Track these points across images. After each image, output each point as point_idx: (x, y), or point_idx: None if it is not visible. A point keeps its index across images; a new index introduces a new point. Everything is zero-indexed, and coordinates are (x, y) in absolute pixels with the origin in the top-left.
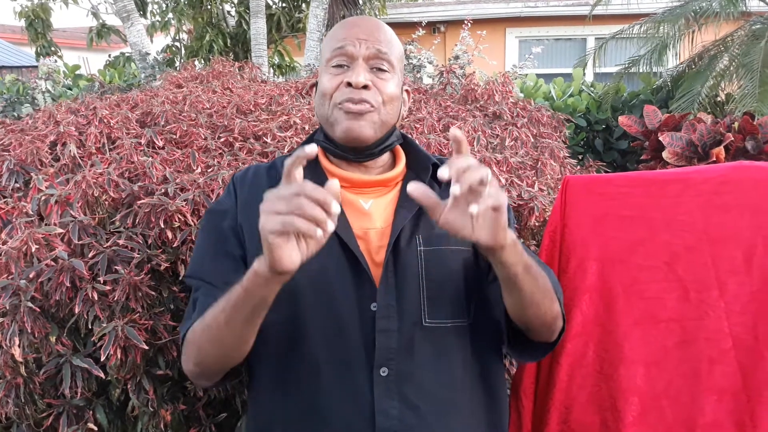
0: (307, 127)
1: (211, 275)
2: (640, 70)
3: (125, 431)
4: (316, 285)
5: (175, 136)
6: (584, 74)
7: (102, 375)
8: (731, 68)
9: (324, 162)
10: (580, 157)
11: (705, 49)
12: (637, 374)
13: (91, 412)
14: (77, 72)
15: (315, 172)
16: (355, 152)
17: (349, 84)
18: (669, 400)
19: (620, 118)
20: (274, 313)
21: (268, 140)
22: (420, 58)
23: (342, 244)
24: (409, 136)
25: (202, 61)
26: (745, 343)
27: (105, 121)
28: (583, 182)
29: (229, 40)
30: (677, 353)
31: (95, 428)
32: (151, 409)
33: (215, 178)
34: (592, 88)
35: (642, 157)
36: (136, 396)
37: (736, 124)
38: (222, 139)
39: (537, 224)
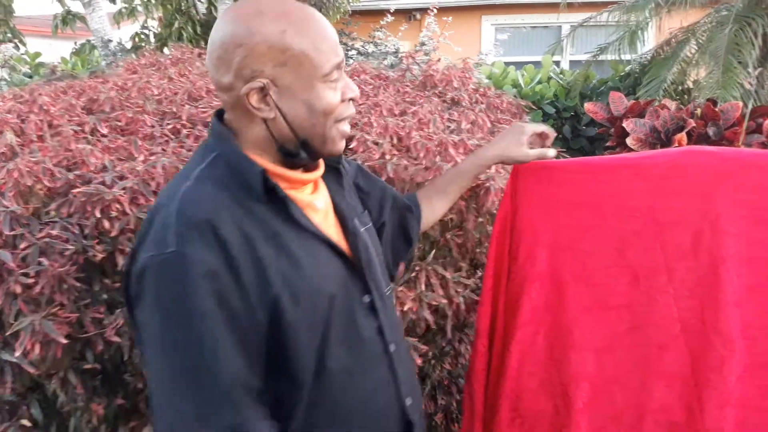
0: None
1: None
2: (610, 58)
3: (66, 427)
4: (339, 309)
5: (120, 124)
6: (559, 62)
7: (32, 370)
8: (697, 55)
9: (283, 172)
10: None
11: (673, 35)
12: (588, 360)
13: (26, 407)
14: (39, 59)
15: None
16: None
17: (351, 99)
18: (619, 385)
19: (586, 105)
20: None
21: None
22: (387, 45)
23: (332, 248)
24: None
25: (172, 49)
26: (693, 328)
27: (45, 108)
28: (534, 168)
29: (199, 27)
30: (627, 339)
31: (29, 425)
32: (81, 404)
33: (155, 166)
34: (561, 76)
35: (607, 144)
36: (64, 392)
37: (699, 111)
38: (170, 126)
39: (494, 203)
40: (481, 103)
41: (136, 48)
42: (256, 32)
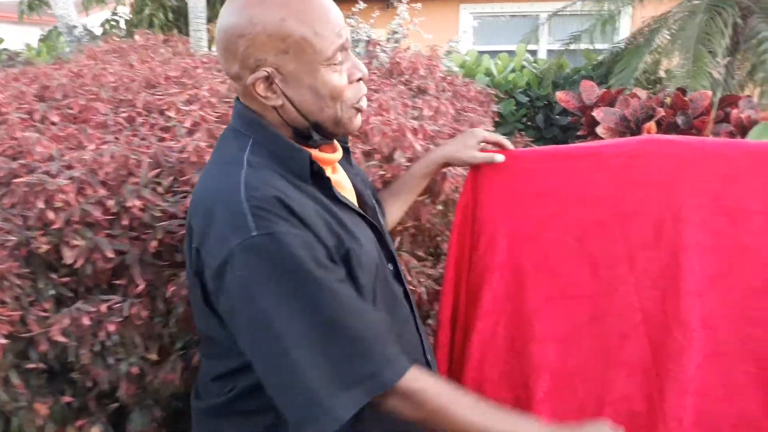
0: (214, 101)
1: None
2: (585, 47)
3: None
4: (380, 275)
5: (72, 111)
6: (536, 51)
7: None
8: (669, 45)
9: (318, 154)
10: (522, 133)
11: (646, 24)
12: (549, 351)
13: None
14: (3, 46)
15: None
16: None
17: (360, 79)
18: (580, 376)
19: (558, 94)
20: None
21: (172, 114)
22: (359, 33)
23: (365, 221)
24: None
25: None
26: (655, 318)
27: None
28: None
29: (170, 14)
30: (589, 329)
31: None
32: (24, 404)
33: (103, 155)
34: (534, 64)
35: (579, 133)
36: (5, 391)
37: (668, 100)
38: (125, 114)
39: (451, 190)
40: (448, 91)
41: (104, 35)
42: (257, 22)
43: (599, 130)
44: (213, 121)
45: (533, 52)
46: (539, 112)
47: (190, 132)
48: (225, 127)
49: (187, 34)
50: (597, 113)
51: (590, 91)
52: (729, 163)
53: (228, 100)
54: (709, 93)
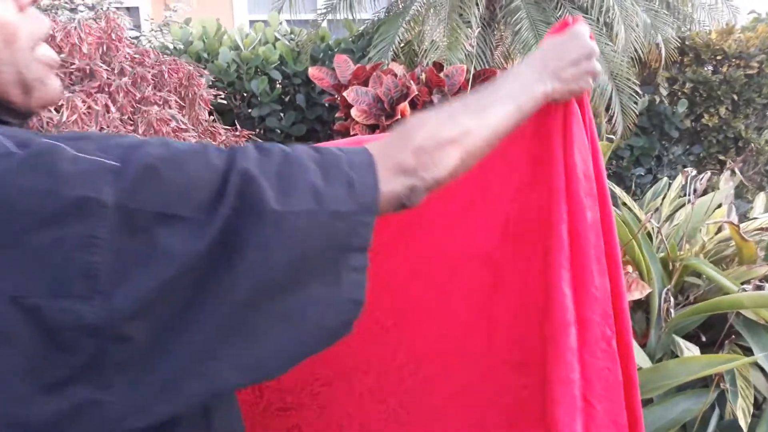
0: None
1: None
2: (342, 16)
3: None
4: None
5: None
6: (305, 21)
7: None
8: (425, 13)
9: None
10: (281, 115)
11: None
12: None
13: None
14: None
15: None
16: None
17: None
18: None
19: (310, 70)
20: None
21: None
22: None
23: None
24: None
25: None
26: None
27: None
28: None
29: None
30: None
31: None
32: None
33: None
34: (292, 35)
35: (337, 114)
36: None
37: (424, 76)
38: None
39: None
40: (143, 74)
41: None
42: None
43: (354, 113)
44: None
45: (306, 22)
46: (299, 91)
47: None
48: None
49: None
50: (348, 94)
51: (344, 66)
52: None
53: None
54: (464, 67)
